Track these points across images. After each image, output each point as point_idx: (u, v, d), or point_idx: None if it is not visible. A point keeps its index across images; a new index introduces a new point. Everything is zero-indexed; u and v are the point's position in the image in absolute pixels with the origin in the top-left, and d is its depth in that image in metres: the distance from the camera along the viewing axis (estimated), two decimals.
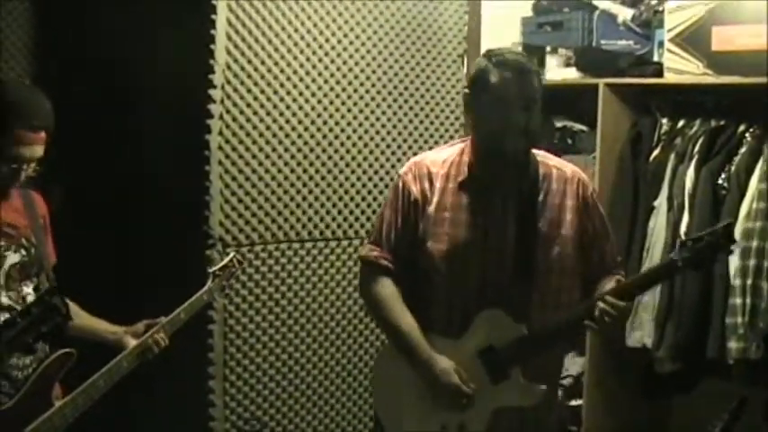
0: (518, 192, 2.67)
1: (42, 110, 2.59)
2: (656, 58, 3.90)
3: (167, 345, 2.86)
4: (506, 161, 2.62)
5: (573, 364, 4.12)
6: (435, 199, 2.69)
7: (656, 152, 3.85)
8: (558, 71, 4.11)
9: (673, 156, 3.76)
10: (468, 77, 2.73)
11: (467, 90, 2.71)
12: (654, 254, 3.74)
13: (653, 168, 3.82)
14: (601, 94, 3.88)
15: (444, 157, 2.75)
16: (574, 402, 4.08)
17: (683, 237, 3.49)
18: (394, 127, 3.99)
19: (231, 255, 3.17)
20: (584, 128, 4.23)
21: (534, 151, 2.73)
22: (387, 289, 2.74)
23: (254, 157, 3.65)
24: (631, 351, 3.83)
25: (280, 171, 3.72)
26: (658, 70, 3.80)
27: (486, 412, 2.64)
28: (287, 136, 3.72)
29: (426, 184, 2.70)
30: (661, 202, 3.75)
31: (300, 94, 3.74)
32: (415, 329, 2.68)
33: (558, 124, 4.29)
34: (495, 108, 2.56)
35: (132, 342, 2.82)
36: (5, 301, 2.62)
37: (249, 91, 3.60)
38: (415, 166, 2.76)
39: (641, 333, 3.79)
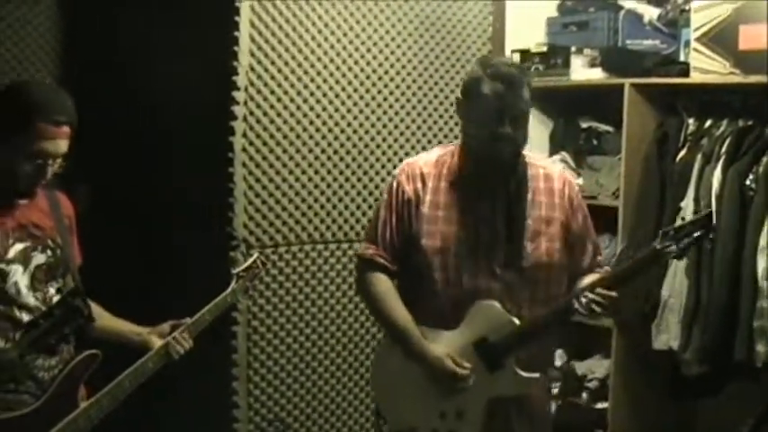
0: (507, 191, 2.79)
1: (64, 105, 2.58)
2: (682, 58, 3.87)
3: (192, 346, 2.86)
4: (494, 166, 2.75)
5: (599, 367, 4.10)
6: (428, 198, 2.81)
7: (682, 153, 3.81)
8: (583, 71, 4.08)
9: (699, 156, 3.71)
10: (462, 84, 2.82)
11: (460, 96, 2.80)
12: None
13: (679, 169, 3.78)
14: (626, 94, 3.85)
15: (436, 159, 2.87)
16: (600, 405, 4.06)
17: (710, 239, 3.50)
18: (418, 128, 3.99)
19: (255, 256, 3.16)
20: (609, 128, 4.20)
21: (523, 152, 2.83)
22: (382, 284, 2.86)
23: (277, 158, 3.66)
24: (658, 354, 3.79)
25: (304, 172, 3.73)
26: (684, 70, 3.77)
27: (483, 400, 2.75)
28: (311, 137, 3.73)
29: (419, 185, 2.82)
30: (687, 204, 3.70)
31: (324, 95, 3.75)
32: (409, 322, 2.79)
33: (584, 125, 4.26)
34: (486, 118, 2.67)
35: (157, 343, 2.82)
36: (31, 301, 2.63)
37: (273, 92, 3.61)
38: (408, 167, 2.88)
39: (668, 336, 3.75)
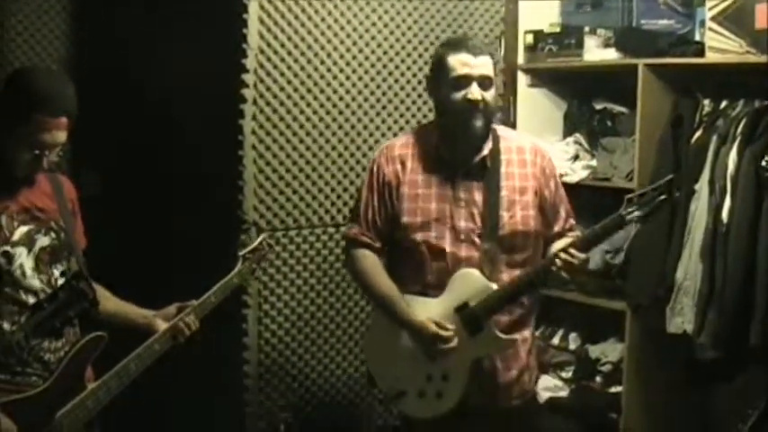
0: (481, 164, 2.95)
1: (64, 96, 2.58)
2: (697, 38, 3.81)
3: (198, 328, 2.86)
4: (466, 136, 2.91)
5: (612, 351, 4.07)
6: (407, 178, 2.98)
7: (697, 134, 3.75)
8: (596, 52, 4.03)
9: (715, 138, 3.66)
10: (432, 60, 3.02)
11: (431, 71, 2.99)
12: (695, 238, 3.65)
13: (694, 151, 3.73)
14: (641, 74, 3.79)
15: (413, 139, 3.05)
16: (613, 389, 4.03)
17: (724, 221, 3.53)
18: (430, 110, 3.94)
19: (261, 238, 3.16)
20: (624, 110, 4.16)
21: (496, 127, 3.04)
22: (367, 260, 3.03)
23: (287, 141, 3.64)
24: (672, 337, 3.74)
25: (314, 155, 3.72)
26: (700, 50, 3.72)
27: (466, 362, 2.91)
28: (320, 120, 3.71)
29: (398, 166, 2.99)
30: (702, 186, 3.66)
31: (334, 77, 3.73)
32: (394, 292, 2.95)
33: (598, 106, 4.22)
34: (451, 88, 2.87)
35: (163, 325, 2.82)
36: (36, 284, 2.63)
37: (282, 74, 3.59)
38: (386, 150, 3.05)
39: (682, 319, 3.71)
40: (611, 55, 4.00)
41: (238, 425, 3.62)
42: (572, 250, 2.81)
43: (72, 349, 2.66)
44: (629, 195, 2.85)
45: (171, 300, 2.91)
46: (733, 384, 3.71)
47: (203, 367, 3.55)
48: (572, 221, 3.09)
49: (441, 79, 2.90)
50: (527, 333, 3.06)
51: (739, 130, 3.59)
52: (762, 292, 3.45)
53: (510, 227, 2.93)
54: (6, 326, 2.55)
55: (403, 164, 2.99)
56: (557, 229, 3.03)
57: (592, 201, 3.82)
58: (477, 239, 2.91)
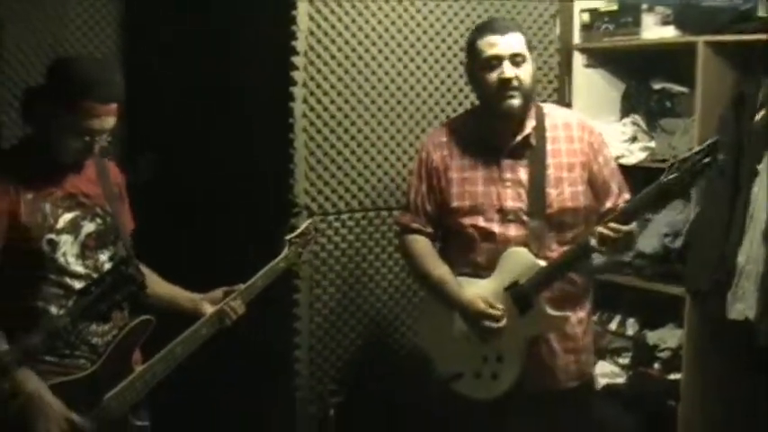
0: (525, 142, 2.96)
1: (112, 82, 2.60)
2: (760, 13, 3.67)
3: (244, 312, 2.85)
4: (505, 116, 2.92)
5: (671, 337, 3.98)
6: (453, 163, 3.02)
7: (760, 113, 3.61)
8: (654, 30, 3.92)
9: None
10: (465, 49, 3.05)
11: (466, 60, 3.02)
12: (757, 220, 3.54)
13: (757, 130, 3.60)
14: (700, 52, 3.68)
15: (459, 125, 3.11)
16: (672, 376, 3.94)
17: None
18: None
19: (307, 222, 3.17)
20: (683, 89, 4.04)
21: (541, 104, 3.07)
22: (419, 245, 3.09)
23: (339, 124, 3.61)
24: (733, 324, 3.63)
25: (366, 138, 3.68)
26: (762, 26, 3.58)
27: (520, 342, 2.93)
28: (372, 102, 3.67)
29: (445, 152, 3.04)
30: (765, 166, 3.55)
31: (386, 58, 3.68)
32: (445, 274, 3.00)
33: (656, 86, 4.11)
34: (484, 70, 2.90)
35: (210, 309, 2.83)
36: (82, 270, 2.65)
37: (333, 57, 3.55)
38: (433, 137, 3.12)
39: (743, 305, 3.60)
40: (670, 33, 3.88)
41: (288, 409, 3.62)
42: (612, 224, 2.77)
43: (120, 333, 2.68)
44: (670, 161, 2.80)
45: (218, 284, 2.92)
46: None
47: (253, 352, 3.55)
48: (626, 196, 3.04)
49: (474, 64, 2.95)
50: (582, 314, 3.06)
51: None
52: None
53: (558, 204, 2.93)
54: (54, 310, 2.57)
55: (449, 149, 3.04)
56: (609, 204, 3.00)
57: (650, 183, 3.71)
58: (524, 218, 2.93)
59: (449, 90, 3.83)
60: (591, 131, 3.04)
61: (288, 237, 3.05)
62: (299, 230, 3.11)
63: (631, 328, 4.18)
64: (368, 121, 3.67)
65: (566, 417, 3.01)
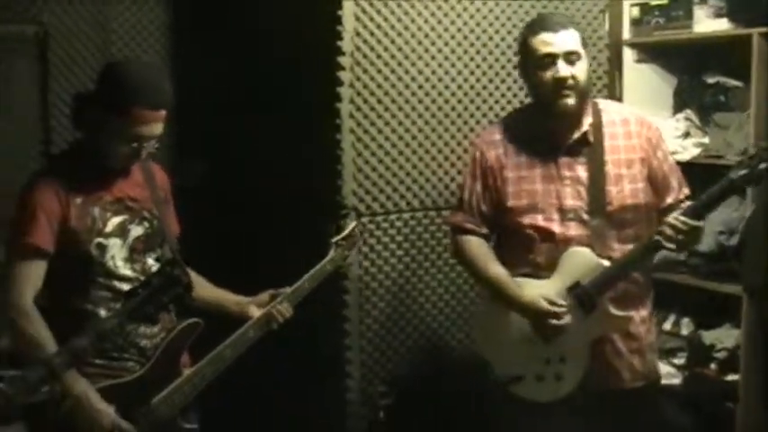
0: (583, 140, 2.91)
1: (162, 89, 2.61)
2: None
3: (292, 314, 2.84)
4: (561, 115, 2.87)
5: (728, 337, 3.88)
6: (509, 162, 2.96)
7: None
8: (707, 23, 3.84)
9: None
10: (518, 46, 3.02)
11: (519, 57, 2.98)
12: None
13: None
14: (755, 45, 3.59)
15: (512, 123, 3.05)
16: (729, 377, 3.85)
17: None
18: (527, 97, 3.82)
19: (353, 224, 3.15)
20: (737, 83, 3.95)
21: (597, 100, 3.03)
22: (474, 246, 3.03)
23: (386, 124, 3.59)
24: None
25: (414, 138, 3.65)
26: None
27: (583, 344, 2.87)
28: (420, 102, 3.64)
29: (500, 150, 2.98)
30: None
31: (433, 57, 3.65)
32: (503, 275, 2.93)
33: (709, 81, 4.03)
34: (538, 69, 2.85)
35: (257, 312, 2.82)
36: (130, 273, 2.66)
37: (379, 57, 3.53)
38: (487, 135, 3.07)
39: None
40: (724, 25, 3.80)
41: (338, 412, 3.60)
42: (682, 218, 2.72)
43: (168, 335, 2.68)
44: (739, 158, 2.77)
45: (265, 287, 2.91)
46: None
47: (302, 354, 3.54)
48: (686, 191, 3.00)
49: (527, 61, 2.90)
50: (645, 312, 3.01)
51: None
52: None
53: (618, 202, 2.88)
54: (102, 313, 2.58)
55: (504, 147, 2.98)
56: (669, 200, 2.95)
57: (704, 180, 3.62)
58: (585, 217, 2.87)
59: (497, 88, 3.79)
60: (649, 126, 2.98)
61: (334, 239, 3.03)
62: (345, 232, 3.09)
63: (686, 327, 4.10)
64: (415, 120, 3.64)
65: (631, 417, 2.95)
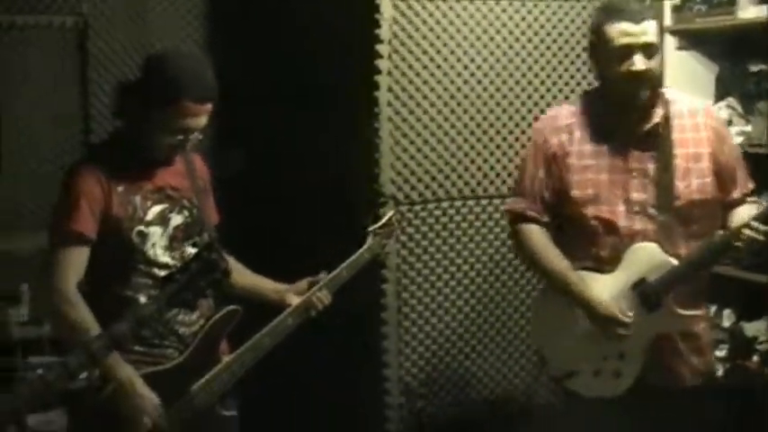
0: (652, 132, 2.80)
1: (208, 81, 2.61)
2: None
3: (330, 302, 2.84)
4: (634, 104, 2.76)
5: None
6: (574, 149, 2.84)
7: None
8: (751, 9, 3.75)
9: None
10: (590, 29, 2.86)
11: (591, 41, 2.83)
12: None
13: None
14: None
15: (577, 108, 2.90)
16: None
17: None
18: (566, 84, 3.82)
19: (390, 213, 3.14)
20: None
21: (664, 90, 2.88)
22: (536, 236, 2.90)
23: (425, 112, 3.59)
24: None
25: (453, 126, 3.64)
26: None
27: (643, 341, 2.77)
28: (458, 90, 3.64)
29: (564, 136, 2.85)
30: None
31: (472, 45, 3.64)
32: (568, 269, 2.82)
33: (753, 68, 3.95)
34: (613, 59, 2.72)
35: (295, 300, 2.82)
36: (169, 261, 2.67)
37: (418, 45, 3.53)
38: (550, 120, 2.93)
39: None
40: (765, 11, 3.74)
41: (376, 400, 3.59)
42: (755, 224, 2.63)
43: (207, 323, 2.69)
44: None
45: (304, 275, 2.90)
46: None
47: (341, 342, 3.54)
48: (750, 185, 2.91)
49: (601, 49, 2.75)
50: (703, 310, 2.95)
51: None
52: None
53: (686, 197, 2.77)
54: (142, 299, 2.59)
55: (570, 134, 2.85)
56: (736, 195, 2.86)
57: (747, 169, 3.59)
58: (652, 211, 2.76)
59: (536, 76, 3.77)
60: (717, 118, 2.91)
61: (371, 227, 3.02)
62: (382, 221, 3.07)
63: (728, 319, 4.04)
64: (454, 109, 3.63)
65: (689, 415, 2.86)
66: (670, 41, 4.09)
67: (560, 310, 2.87)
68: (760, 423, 3.70)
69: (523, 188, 2.93)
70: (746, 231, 2.63)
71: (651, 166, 2.79)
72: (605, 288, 2.77)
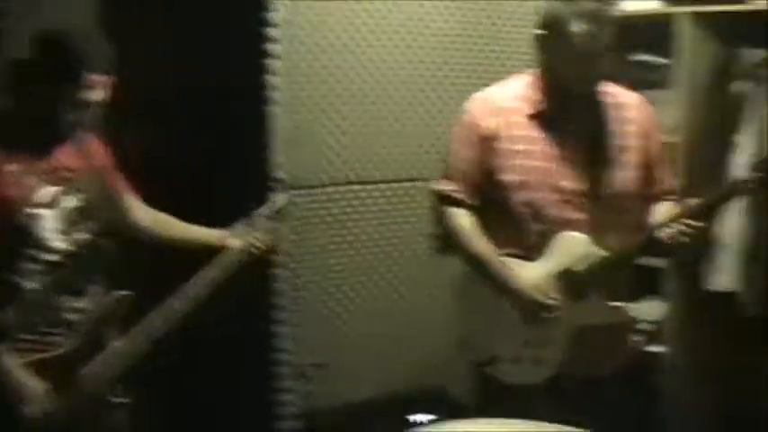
0: (585, 123, 2.82)
1: (103, 54, 2.59)
2: None
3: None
4: (577, 101, 2.80)
5: (652, 309, 3.96)
6: (506, 133, 2.82)
7: (742, 85, 3.66)
8: (634, 2, 3.88)
9: (760, 89, 3.56)
10: (543, 19, 2.80)
11: (542, 32, 2.78)
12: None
13: (738, 103, 3.62)
14: (682, 24, 3.65)
15: (512, 92, 2.89)
16: (655, 349, 3.93)
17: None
18: (473, 70, 3.87)
19: (280, 197, 3.12)
20: (664, 61, 4.01)
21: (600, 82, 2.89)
22: (463, 220, 2.90)
23: (323, 96, 3.56)
24: (715, 295, 3.66)
25: (353, 111, 3.63)
26: None
27: (568, 330, 2.78)
28: (357, 74, 3.63)
29: (496, 119, 2.84)
30: (746, 139, 3.55)
31: (371, 32, 3.64)
32: (492, 254, 2.84)
33: (637, 58, 4.07)
34: (570, 57, 2.72)
35: (237, 243, 2.85)
36: (61, 245, 2.62)
37: (314, 27, 3.49)
38: (483, 102, 2.90)
39: (726, 276, 3.63)
40: (653, 4, 3.85)
41: (269, 386, 3.59)
42: (690, 221, 2.67)
43: (96, 309, 2.65)
44: (754, 162, 2.77)
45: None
46: None
47: (231, 330, 3.52)
48: (675, 181, 2.99)
49: (553, 42, 2.73)
50: (628, 302, 2.99)
51: None
52: None
53: (617, 188, 2.81)
54: (30, 285, 2.54)
55: (504, 117, 2.84)
56: (663, 188, 2.92)
57: None
58: (581, 201, 2.78)
59: (433, 63, 3.79)
60: (649, 111, 2.93)
61: (258, 212, 3.00)
62: (270, 206, 3.05)
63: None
64: (354, 93, 3.62)
65: (611, 403, 2.90)
66: None
67: (484, 295, 2.88)
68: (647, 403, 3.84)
69: (452, 170, 2.91)
70: (675, 226, 2.67)
71: (583, 156, 2.79)
72: (530, 275, 2.79)
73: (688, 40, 3.68)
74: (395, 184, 3.76)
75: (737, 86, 3.70)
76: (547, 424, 2.37)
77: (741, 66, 3.70)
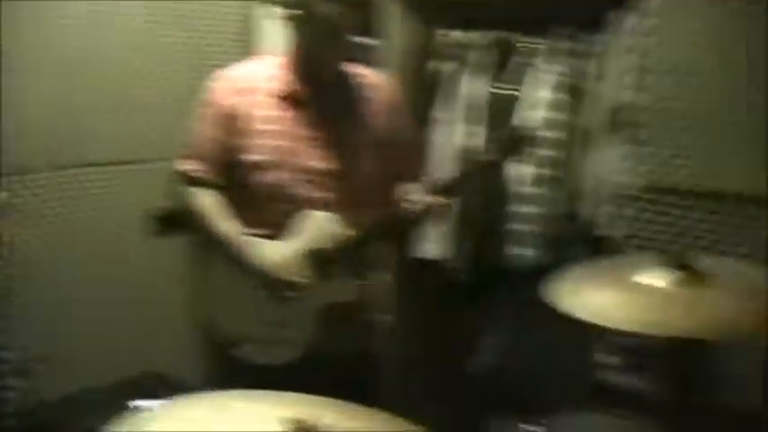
0: (335, 102, 2.84)
1: None
2: None
3: None
4: (326, 81, 2.82)
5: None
6: (251, 112, 2.79)
7: (443, 64, 3.88)
8: None
9: (461, 68, 3.81)
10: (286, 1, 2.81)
11: (294, 12, 2.76)
12: (440, 167, 3.69)
13: (438, 80, 3.85)
14: (387, 6, 3.85)
15: (259, 71, 2.87)
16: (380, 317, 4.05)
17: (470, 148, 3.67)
18: (184, 45, 3.86)
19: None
20: (373, 42, 4.19)
21: (349, 62, 2.92)
22: (207, 200, 2.86)
23: (49, 77, 3.42)
24: (423, 262, 3.86)
25: (71, 94, 3.50)
26: None
27: (315, 308, 2.79)
28: (78, 51, 3.51)
29: (241, 98, 2.80)
30: (448, 115, 3.81)
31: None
32: (237, 234, 2.81)
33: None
34: (321, 37, 2.74)
35: None
36: None
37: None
38: (229, 81, 2.85)
39: (431, 245, 3.84)
40: None
41: None
42: (429, 196, 2.76)
43: None
44: (490, 141, 2.89)
45: None
46: (491, 305, 3.84)
47: None
48: (424, 163, 3.08)
49: (305, 22, 2.73)
50: (376, 279, 3.01)
51: (485, 60, 3.76)
52: (500, 214, 3.66)
53: (363, 168, 2.84)
54: None
55: (248, 96, 2.80)
56: (409, 170, 2.96)
57: None
58: (327, 181, 2.80)
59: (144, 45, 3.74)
60: (394, 92, 2.99)
61: None
62: None
63: None
64: (72, 73, 3.50)
65: (361, 381, 2.80)
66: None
67: (228, 275, 2.84)
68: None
69: (195, 149, 2.86)
70: (423, 201, 2.74)
71: (331, 136, 2.81)
72: (276, 254, 2.78)
73: (394, 21, 3.89)
74: (124, 167, 3.67)
75: (433, 65, 3.92)
76: (289, 393, 2.19)
77: (436, 45, 3.91)
